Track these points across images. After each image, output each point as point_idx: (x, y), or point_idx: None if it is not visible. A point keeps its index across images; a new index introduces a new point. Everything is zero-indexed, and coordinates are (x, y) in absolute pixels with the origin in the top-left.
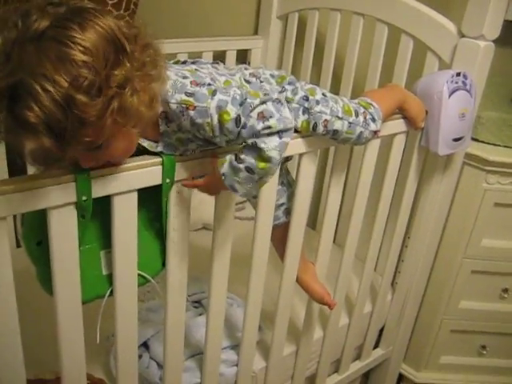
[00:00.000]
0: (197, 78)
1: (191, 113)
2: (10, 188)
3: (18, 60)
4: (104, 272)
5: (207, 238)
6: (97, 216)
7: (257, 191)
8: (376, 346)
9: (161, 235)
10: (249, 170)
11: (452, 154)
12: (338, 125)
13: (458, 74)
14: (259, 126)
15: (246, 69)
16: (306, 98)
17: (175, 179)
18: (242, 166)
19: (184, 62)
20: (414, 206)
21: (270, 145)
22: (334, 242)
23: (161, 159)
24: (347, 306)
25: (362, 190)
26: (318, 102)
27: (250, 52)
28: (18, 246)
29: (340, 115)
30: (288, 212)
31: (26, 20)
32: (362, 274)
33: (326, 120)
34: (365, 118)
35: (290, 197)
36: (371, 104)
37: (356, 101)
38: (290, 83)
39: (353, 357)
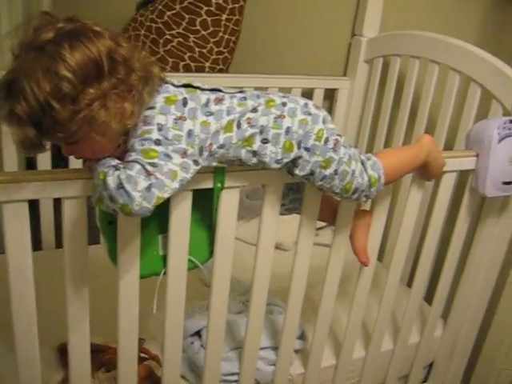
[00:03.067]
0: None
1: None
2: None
3: (21, 61)
4: (161, 252)
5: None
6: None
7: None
8: (424, 380)
9: (210, 229)
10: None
11: (506, 196)
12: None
13: (511, 121)
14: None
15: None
16: (312, 173)
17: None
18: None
19: (201, 89)
20: (466, 248)
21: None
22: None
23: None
24: (393, 331)
25: (408, 218)
26: (324, 178)
27: (338, 91)
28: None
29: (337, 191)
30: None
31: (37, 30)
32: (408, 300)
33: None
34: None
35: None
36: (378, 180)
37: (368, 173)
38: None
39: None
